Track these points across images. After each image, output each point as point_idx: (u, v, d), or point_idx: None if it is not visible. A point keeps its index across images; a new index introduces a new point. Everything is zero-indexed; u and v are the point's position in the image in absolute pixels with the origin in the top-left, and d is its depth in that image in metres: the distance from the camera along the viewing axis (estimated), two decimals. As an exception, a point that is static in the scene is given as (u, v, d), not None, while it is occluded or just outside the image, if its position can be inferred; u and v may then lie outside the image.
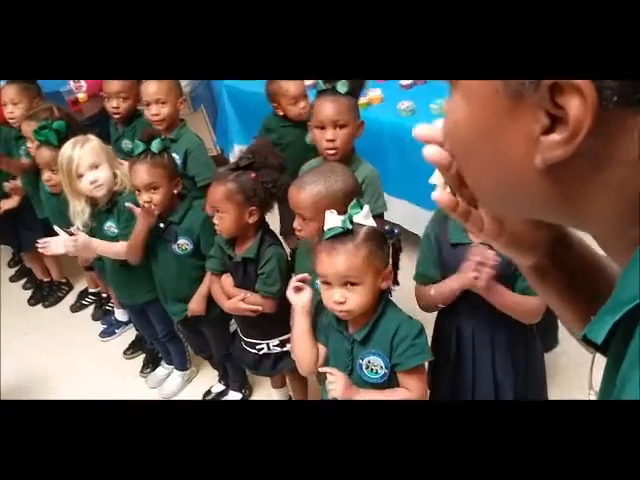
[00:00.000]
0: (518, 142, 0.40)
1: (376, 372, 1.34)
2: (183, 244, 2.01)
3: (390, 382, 1.34)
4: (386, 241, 1.27)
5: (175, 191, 1.98)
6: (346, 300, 1.27)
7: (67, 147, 2.01)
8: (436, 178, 0.62)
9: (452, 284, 1.39)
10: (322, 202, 1.50)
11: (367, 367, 1.35)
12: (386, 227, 1.26)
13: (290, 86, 2.29)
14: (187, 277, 2.06)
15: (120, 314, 2.84)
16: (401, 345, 1.31)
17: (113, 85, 2.45)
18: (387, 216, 1.95)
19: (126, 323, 2.82)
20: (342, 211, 1.39)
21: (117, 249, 2.07)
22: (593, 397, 0.72)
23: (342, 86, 1.77)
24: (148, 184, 1.90)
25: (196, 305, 2.06)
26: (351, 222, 1.27)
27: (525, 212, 0.50)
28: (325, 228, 1.30)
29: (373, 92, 2.65)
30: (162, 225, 2.00)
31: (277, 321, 1.87)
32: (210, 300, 2.02)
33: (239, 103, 3.43)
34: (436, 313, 1.56)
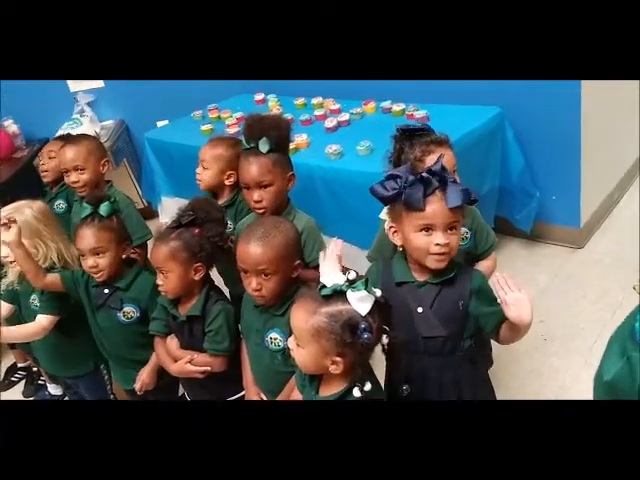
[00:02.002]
0: None
1: None
2: (129, 312, 1.92)
3: None
4: (353, 335, 1.16)
5: (123, 256, 1.91)
6: (293, 350, 1.26)
7: None
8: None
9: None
10: (284, 252, 1.50)
11: None
12: (362, 325, 1.15)
13: (204, 151, 2.11)
14: (134, 345, 1.97)
15: (53, 388, 2.68)
16: None
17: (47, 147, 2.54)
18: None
19: (62, 396, 2.64)
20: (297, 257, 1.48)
21: (28, 330, 2.00)
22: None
23: (263, 145, 1.73)
24: (93, 248, 1.84)
25: (147, 377, 1.97)
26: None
27: None
28: (325, 280, 1.20)
29: (299, 137, 2.69)
30: (107, 291, 1.92)
31: (228, 380, 1.80)
32: (162, 368, 1.92)
33: (162, 155, 3.38)
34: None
